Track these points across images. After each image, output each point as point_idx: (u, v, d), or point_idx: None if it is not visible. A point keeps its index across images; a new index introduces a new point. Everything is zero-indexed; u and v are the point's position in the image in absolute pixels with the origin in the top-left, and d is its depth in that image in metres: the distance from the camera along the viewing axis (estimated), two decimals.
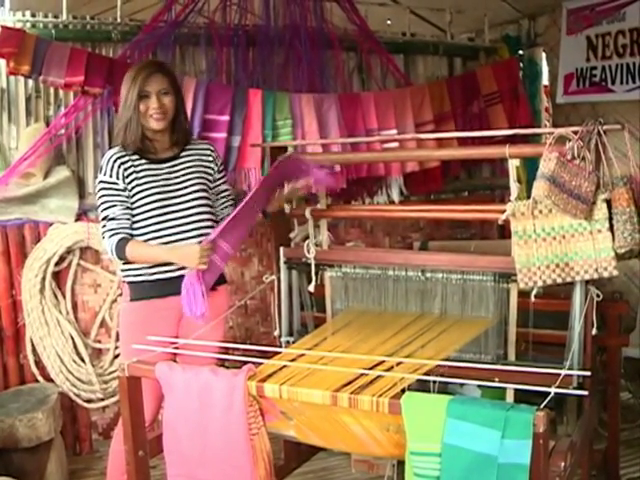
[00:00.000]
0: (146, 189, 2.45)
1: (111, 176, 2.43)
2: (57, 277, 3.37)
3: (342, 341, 2.31)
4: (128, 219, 2.44)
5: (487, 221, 3.84)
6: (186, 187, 2.50)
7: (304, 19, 3.64)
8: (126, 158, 2.45)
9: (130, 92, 2.40)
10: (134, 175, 2.45)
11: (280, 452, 2.66)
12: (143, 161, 2.48)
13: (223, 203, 2.63)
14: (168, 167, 2.52)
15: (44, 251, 3.27)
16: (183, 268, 2.40)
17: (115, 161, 2.43)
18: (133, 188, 2.44)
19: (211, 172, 2.59)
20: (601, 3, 3.85)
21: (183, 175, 2.52)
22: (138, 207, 2.44)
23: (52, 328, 3.31)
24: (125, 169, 2.44)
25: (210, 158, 2.60)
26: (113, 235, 2.40)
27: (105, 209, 2.43)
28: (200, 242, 2.37)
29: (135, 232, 2.44)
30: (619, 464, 2.85)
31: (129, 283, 2.50)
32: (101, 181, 2.45)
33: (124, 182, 2.43)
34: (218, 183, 2.62)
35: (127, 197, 2.44)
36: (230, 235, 2.40)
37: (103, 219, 2.43)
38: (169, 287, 2.44)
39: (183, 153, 2.56)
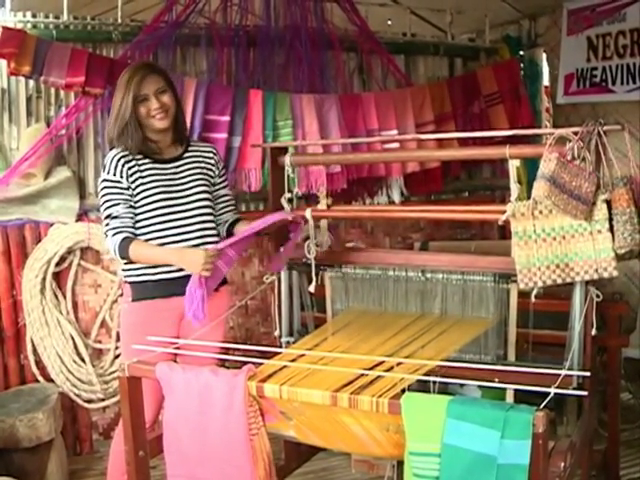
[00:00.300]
0: (150, 188, 2.45)
1: (115, 174, 2.42)
2: (58, 277, 3.37)
3: (342, 341, 2.31)
4: (131, 218, 2.43)
5: (487, 222, 3.84)
6: (190, 188, 2.51)
7: (305, 20, 3.65)
8: (130, 157, 2.45)
9: (125, 98, 2.39)
10: (138, 174, 2.44)
11: (280, 452, 2.66)
12: (147, 161, 2.48)
13: (222, 208, 2.63)
14: (172, 167, 2.52)
15: (45, 251, 3.27)
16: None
17: (119, 160, 2.43)
18: (137, 187, 2.44)
19: (212, 175, 2.59)
20: (601, 4, 3.85)
21: (187, 176, 2.53)
22: (141, 207, 2.44)
23: (52, 328, 3.31)
24: (129, 168, 2.44)
25: (212, 161, 2.61)
26: (116, 234, 2.39)
27: (108, 207, 2.42)
28: (206, 249, 2.36)
29: (137, 232, 2.44)
30: (619, 465, 2.85)
31: (131, 283, 2.50)
32: (104, 179, 2.44)
33: (127, 181, 2.43)
34: (218, 187, 2.62)
35: (130, 196, 2.44)
36: (235, 244, 2.40)
37: (106, 217, 2.42)
38: (172, 287, 2.44)
39: (186, 154, 2.56)
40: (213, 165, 2.60)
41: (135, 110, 2.40)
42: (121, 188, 2.43)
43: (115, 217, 2.41)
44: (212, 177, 2.59)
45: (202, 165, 2.58)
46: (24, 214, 3.29)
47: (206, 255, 2.29)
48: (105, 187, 2.44)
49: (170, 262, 2.41)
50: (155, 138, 2.49)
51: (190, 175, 2.53)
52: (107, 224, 2.42)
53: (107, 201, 2.43)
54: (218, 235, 2.56)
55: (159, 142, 2.51)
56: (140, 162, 2.46)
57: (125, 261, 2.46)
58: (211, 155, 2.61)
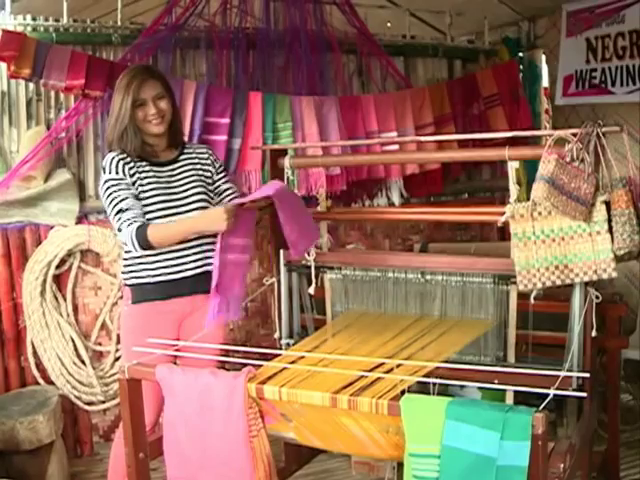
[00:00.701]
0: (148, 190, 2.44)
1: (117, 173, 2.41)
2: (58, 280, 3.37)
3: (342, 343, 2.31)
4: (141, 209, 2.39)
5: (487, 223, 3.84)
6: (187, 190, 2.51)
7: (304, 22, 3.65)
8: (128, 159, 2.44)
9: (124, 101, 2.39)
10: (137, 176, 2.44)
11: (281, 454, 2.66)
12: (144, 163, 2.48)
13: (228, 202, 2.62)
14: (169, 170, 2.52)
15: (45, 254, 3.27)
16: (186, 270, 2.42)
17: (118, 161, 2.42)
18: (136, 189, 2.43)
19: (209, 174, 2.59)
20: (600, 5, 3.85)
21: (183, 178, 2.53)
22: None
23: (53, 331, 3.31)
24: (129, 168, 2.43)
25: (208, 161, 2.61)
26: (131, 224, 2.33)
27: (117, 204, 2.37)
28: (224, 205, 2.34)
29: None
30: (619, 466, 2.85)
31: (130, 286, 2.50)
32: (107, 180, 2.41)
33: (130, 179, 2.42)
34: (219, 184, 2.62)
35: (135, 191, 2.43)
36: (239, 230, 2.34)
37: (117, 213, 2.36)
38: (171, 289, 2.45)
39: (182, 157, 2.57)
40: (209, 165, 2.60)
41: (133, 114, 2.41)
42: (126, 184, 2.40)
43: (126, 210, 2.36)
44: (210, 176, 2.59)
45: (198, 167, 2.58)
46: (24, 217, 3.30)
47: (226, 209, 2.26)
48: (110, 186, 2.40)
49: (194, 229, 2.36)
50: (151, 142, 2.49)
51: (186, 177, 2.53)
52: (119, 219, 2.36)
53: (114, 198, 2.38)
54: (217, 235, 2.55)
55: (155, 146, 2.51)
56: (138, 164, 2.46)
57: (143, 250, 2.37)
58: (206, 155, 2.62)
